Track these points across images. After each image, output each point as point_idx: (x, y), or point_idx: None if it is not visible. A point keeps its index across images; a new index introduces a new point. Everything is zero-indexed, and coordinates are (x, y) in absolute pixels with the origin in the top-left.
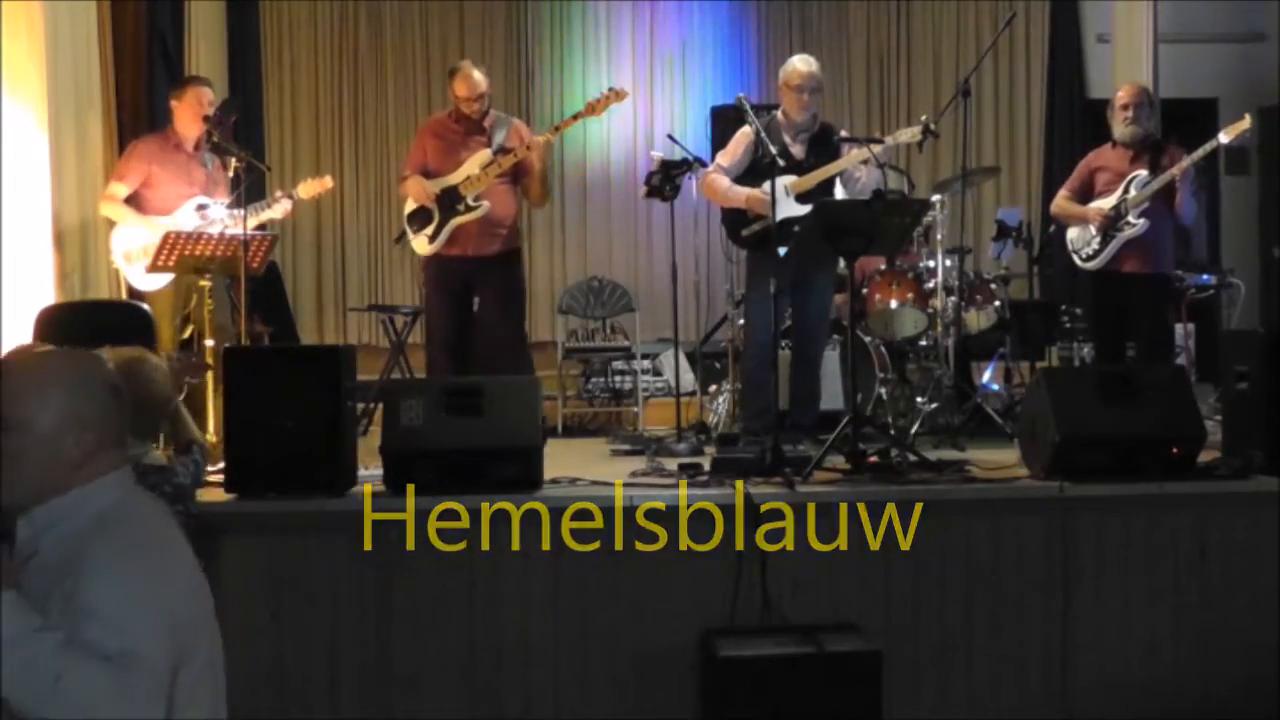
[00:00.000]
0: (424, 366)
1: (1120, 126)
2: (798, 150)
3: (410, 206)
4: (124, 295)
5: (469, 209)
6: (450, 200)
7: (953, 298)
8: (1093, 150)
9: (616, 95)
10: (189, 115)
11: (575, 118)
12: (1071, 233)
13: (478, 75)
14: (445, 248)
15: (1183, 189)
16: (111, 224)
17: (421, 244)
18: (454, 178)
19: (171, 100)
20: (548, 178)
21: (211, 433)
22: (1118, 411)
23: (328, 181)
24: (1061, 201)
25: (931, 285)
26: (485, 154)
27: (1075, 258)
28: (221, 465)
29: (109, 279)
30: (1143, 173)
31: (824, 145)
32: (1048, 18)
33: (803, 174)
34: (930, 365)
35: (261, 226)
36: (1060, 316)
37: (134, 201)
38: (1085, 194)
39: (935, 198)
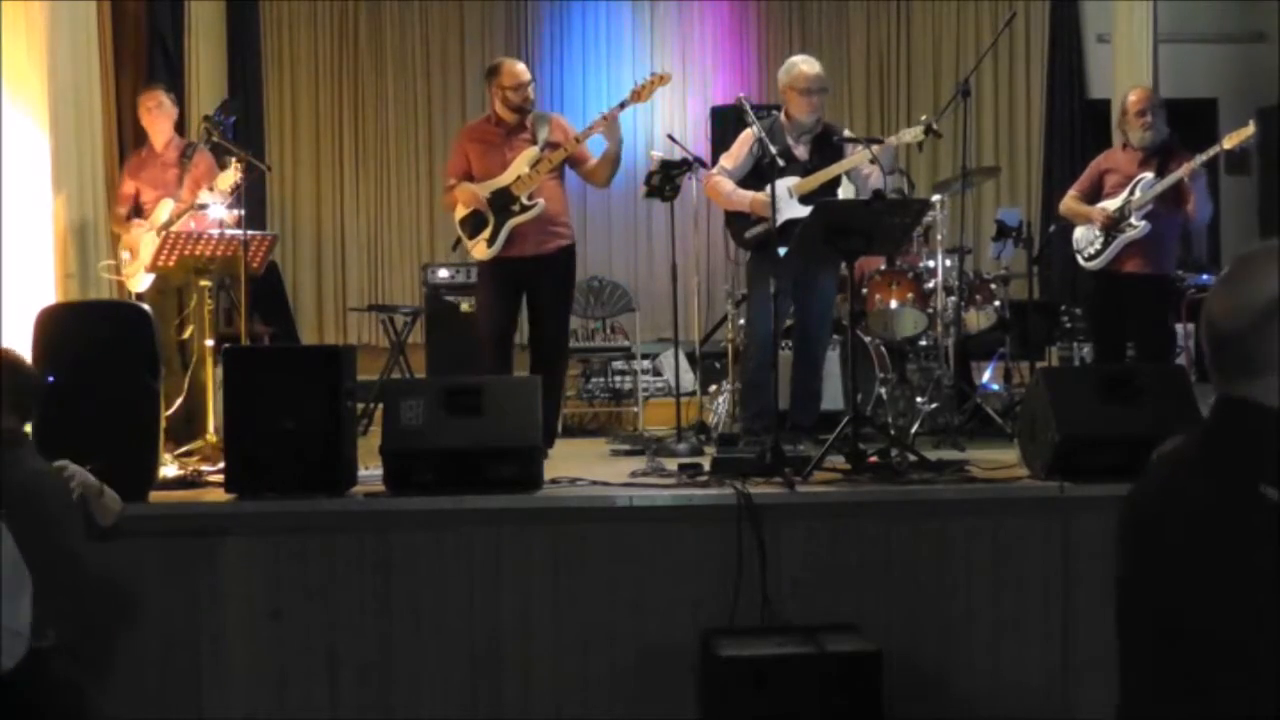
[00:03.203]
0: (424, 366)
1: (1139, 133)
2: (801, 151)
3: (461, 213)
4: (124, 295)
5: (524, 209)
6: (503, 202)
7: (953, 298)
8: (1104, 151)
9: (661, 79)
10: (146, 123)
11: (622, 105)
12: (1077, 232)
13: (520, 64)
14: (505, 249)
15: (1195, 190)
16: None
17: (481, 249)
18: (504, 179)
19: (138, 115)
20: (620, 155)
21: (211, 432)
22: (1118, 411)
23: (236, 172)
24: (1069, 201)
25: (931, 285)
26: (533, 151)
27: (1079, 257)
28: (221, 465)
29: (109, 279)
30: (1149, 175)
31: (827, 146)
32: (1048, 18)
33: (806, 175)
34: (930, 365)
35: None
36: (1060, 316)
37: (139, 213)
38: (1094, 194)
39: (935, 198)
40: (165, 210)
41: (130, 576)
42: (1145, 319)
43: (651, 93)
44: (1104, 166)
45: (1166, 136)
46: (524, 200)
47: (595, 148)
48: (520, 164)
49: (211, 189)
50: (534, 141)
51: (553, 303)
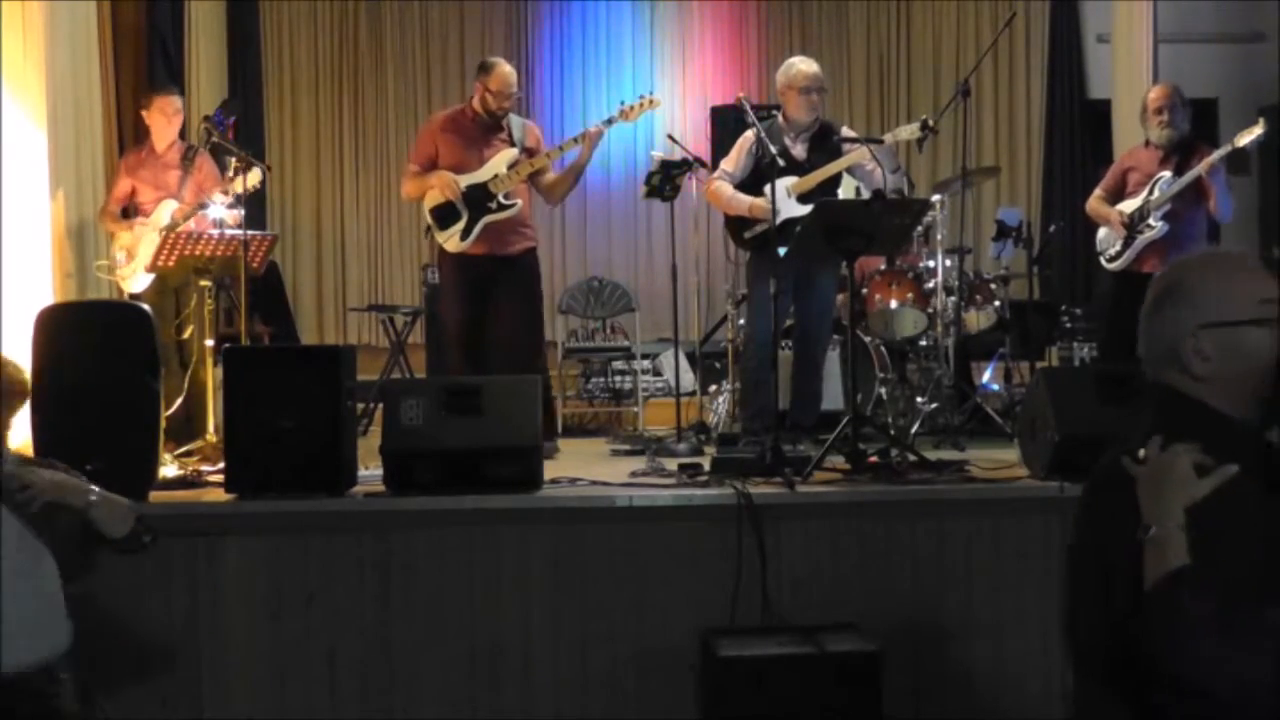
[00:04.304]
0: (424, 366)
1: (1157, 130)
2: (799, 151)
3: (435, 199)
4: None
5: (502, 208)
6: (480, 198)
7: (953, 298)
8: (1128, 149)
9: (650, 103)
10: (156, 124)
11: (609, 123)
12: (1100, 232)
13: (513, 72)
14: (473, 245)
15: (1215, 186)
16: (105, 224)
17: (454, 241)
18: (481, 175)
19: (141, 112)
20: (583, 173)
21: (211, 432)
22: (1118, 411)
23: (258, 173)
24: (1094, 202)
25: (931, 285)
26: (511, 153)
27: (1101, 258)
28: (221, 465)
29: (108, 279)
30: (1167, 174)
31: (824, 145)
32: (1048, 18)
33: (804, 175)
34: (930, 365)
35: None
36: (1060, 316)
37: (134, 212)
38: (1118, 193)
39: (935, 198)
40: (166, 212)
41: (130, 577)
42: None
43: (639, 115)
44: (1127, 164)
45: (1186, 134)
46: (501, 199)
47: (561, 163)
48: (498, 163)
49: (226, 191)
50: (512, 142)
51: (516, 304)
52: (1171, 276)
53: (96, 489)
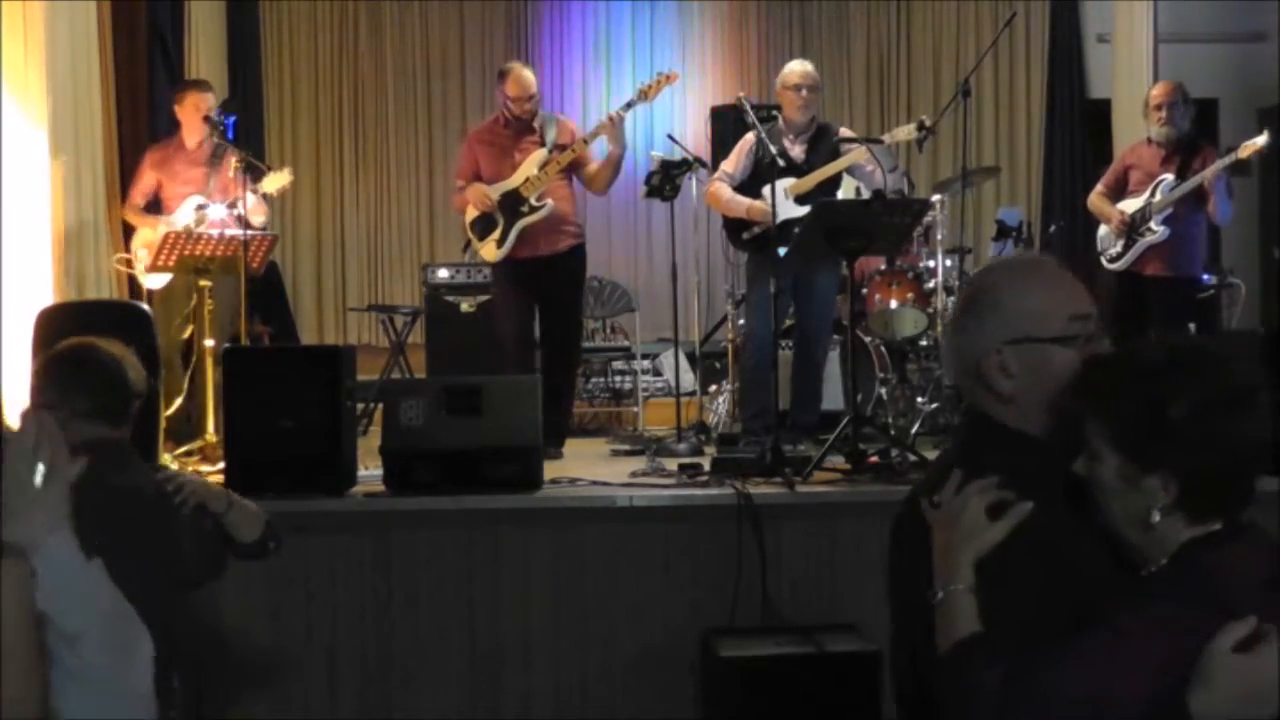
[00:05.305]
0: (424, 366)
1: (1156, 127)
2: (797, 152)
3: (472, 214)
4: (124, 295)
5: (533, 210)
6: (513, 204)
7: (953, 298)
8: (1129, 146)
9: (668, 79)
10: (187, 120)
11: (629, 106)
12: (1100, 231)
13: (529, 75)
14: (515, 250)
15: (1215, 192)
16: (115, 228)
17: (490, 250)
18: (513, 181)
19: (175, 105)
20: (623, 160)
21: (211, 432)
22: None
23: (288, 175)
24: (1095, 198)
25: (931, 285)
26: (541, 153)
27: (1102, 258)
28: (221, 465)
29: (109, 279)
30: (1169, 177)
31: (822, 146)
32: (1048, 18)
33: (802, 176)
34: (930, 365)
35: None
36: None
37: (157, 206)
38: (1119, 190)
39: (935, 198)
40: (191, 208)
41: None
42: (1167, 323)
43: (658, 92)
44: (1129, 161)
45: (1187, 133)
46: (533, 201)
47: (598, 152)
48: (529, 166)
49: (255, 191)
50: (542, 143)
51: (562, 300)
52: (978, 284)
53: (233, 493)
